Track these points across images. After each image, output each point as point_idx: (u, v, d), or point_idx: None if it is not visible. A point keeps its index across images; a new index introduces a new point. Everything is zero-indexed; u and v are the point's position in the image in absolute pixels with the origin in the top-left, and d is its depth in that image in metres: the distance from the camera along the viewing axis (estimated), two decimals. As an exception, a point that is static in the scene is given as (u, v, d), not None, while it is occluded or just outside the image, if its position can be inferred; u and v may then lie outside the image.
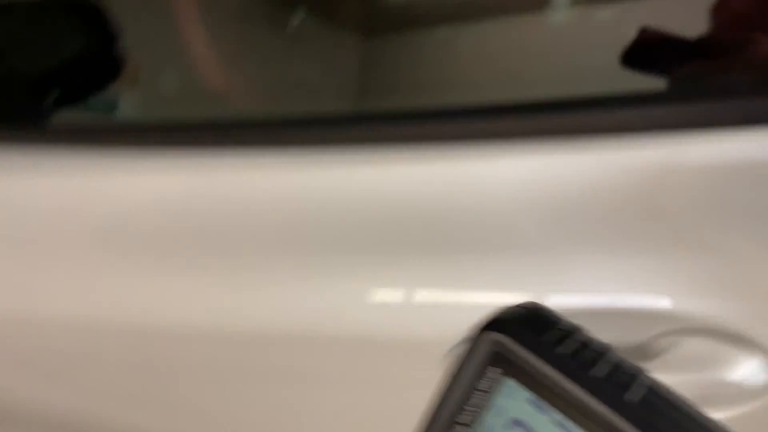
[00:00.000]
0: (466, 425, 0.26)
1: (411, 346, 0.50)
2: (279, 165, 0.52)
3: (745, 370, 0.48)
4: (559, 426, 0.24)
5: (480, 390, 0.26)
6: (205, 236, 0.55)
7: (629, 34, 0.46)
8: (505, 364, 0.25)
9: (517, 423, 0.25)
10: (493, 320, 0.26)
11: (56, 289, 0.60)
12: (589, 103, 0.46)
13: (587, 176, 0.45)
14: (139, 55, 0.68)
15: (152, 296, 0.57)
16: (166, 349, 0.58)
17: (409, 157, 0.48)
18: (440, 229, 0.49)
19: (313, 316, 0.52)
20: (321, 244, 0.52)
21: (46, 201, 0.60)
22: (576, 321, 0.27)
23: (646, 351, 0.48)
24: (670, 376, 0.43)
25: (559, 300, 0.48)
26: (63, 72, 0.68)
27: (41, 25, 0.68)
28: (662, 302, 0.47)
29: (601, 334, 0.27)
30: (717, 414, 0.37)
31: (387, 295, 0.50)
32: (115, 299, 0.58)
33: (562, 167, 0.46)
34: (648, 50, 0.46)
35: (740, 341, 0.47)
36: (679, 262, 0.46)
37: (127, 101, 0.70)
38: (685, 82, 0.46)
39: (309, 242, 0.52)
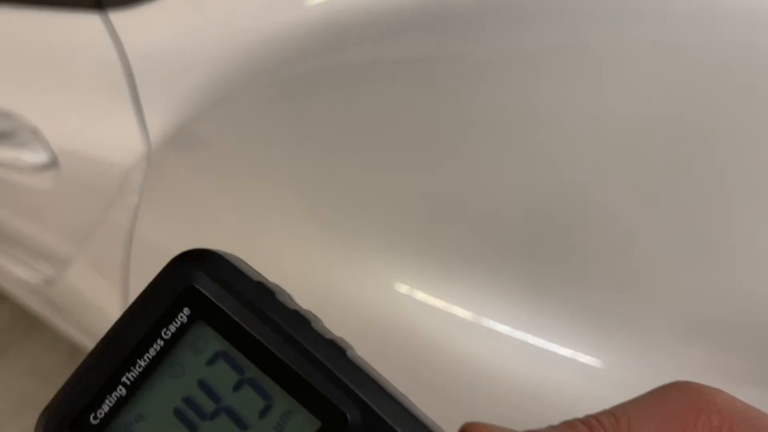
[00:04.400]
0: (133, 385, 0.21)
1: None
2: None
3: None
4: (249, 383, 0.21)
5: (162, 338, 0.22)
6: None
7: None
8: (200, 305, 0.22)
9: (201, 383, 0.21)
10: (191, 254, 0.23)
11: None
12: None
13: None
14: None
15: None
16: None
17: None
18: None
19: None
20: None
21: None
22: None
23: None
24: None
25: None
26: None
27: None
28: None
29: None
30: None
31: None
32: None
33: None
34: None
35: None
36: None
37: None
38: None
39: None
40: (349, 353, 0.22)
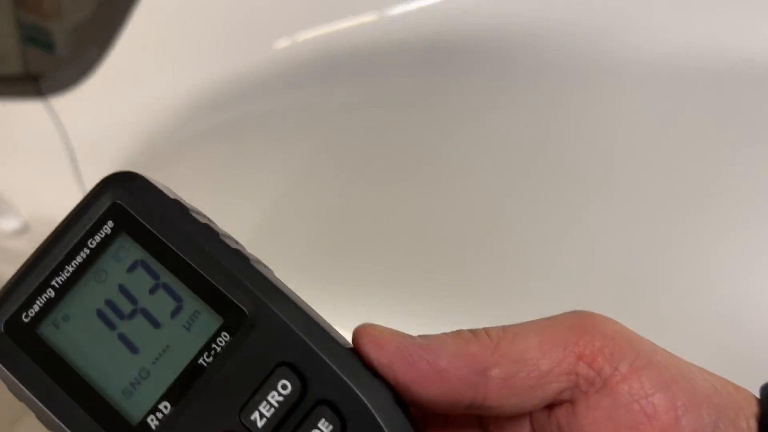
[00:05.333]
0: (61, 289, 0.24)
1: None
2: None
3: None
4: (163, 287, 0.24)
5: (89, 247, 0.24)
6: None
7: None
8: (123, 219, 0.24)
9: (121, 288, 0.24)
10: (116, 176, 0.25)
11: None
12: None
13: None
14: None
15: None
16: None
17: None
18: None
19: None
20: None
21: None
22: None
23: None
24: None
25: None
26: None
27: None
28: None
29: None
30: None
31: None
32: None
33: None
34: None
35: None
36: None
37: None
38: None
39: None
40: (252, 262, 0.24)
